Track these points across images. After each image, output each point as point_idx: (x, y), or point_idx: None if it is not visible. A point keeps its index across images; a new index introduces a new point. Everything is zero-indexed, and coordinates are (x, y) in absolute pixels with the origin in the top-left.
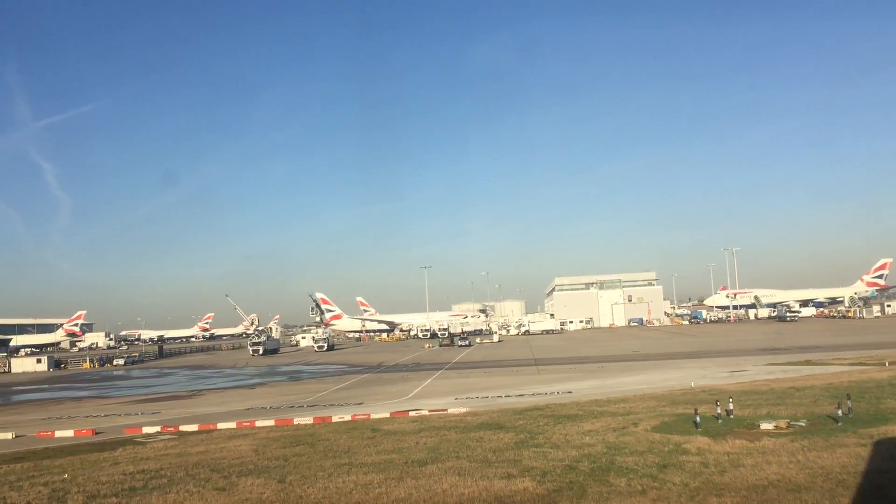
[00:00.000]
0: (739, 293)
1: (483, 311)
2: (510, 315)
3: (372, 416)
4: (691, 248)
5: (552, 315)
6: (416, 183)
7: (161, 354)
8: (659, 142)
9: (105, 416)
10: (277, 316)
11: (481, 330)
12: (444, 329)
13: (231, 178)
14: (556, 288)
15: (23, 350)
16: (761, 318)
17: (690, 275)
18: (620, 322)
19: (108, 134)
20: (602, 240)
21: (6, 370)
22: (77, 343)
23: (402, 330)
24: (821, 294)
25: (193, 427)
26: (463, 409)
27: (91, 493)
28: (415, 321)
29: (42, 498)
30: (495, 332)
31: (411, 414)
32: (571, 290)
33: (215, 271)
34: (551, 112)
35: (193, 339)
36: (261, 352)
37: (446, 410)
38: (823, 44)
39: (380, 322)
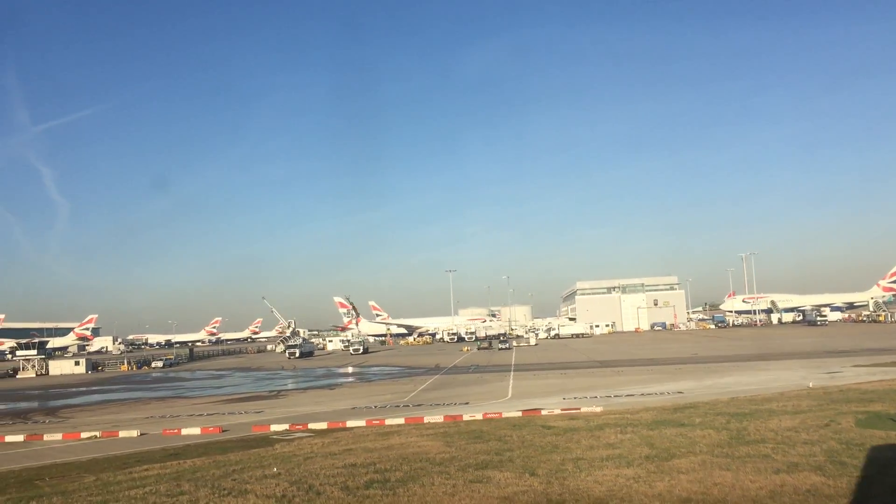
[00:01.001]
0: (753, 298)
1: (493, 315)
2: (522, 319)
3: (504, 415)
4: (695, 252)
5: (570, 319)
6: (413, 188)
7: (191, 358)
8: (657, 147)
9: (208, 415)
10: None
11: (505, 333)
12: (472, 333)
13: (227, 182)
14: (578, 292)
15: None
16: (785, 323)
17: (696, 279)
18: (643, 326)
19: (107, 138)
20: (603, 245)
21: (44, 372)
22: (86, 347)
23: (420, 334)
24: (838, 299)
25: (322, 425)
26: (598, 409)
27: (341, 484)
28: (431, 325)
29: (289, 489)
30: (532, 336)
31: (544, 413)
32: (593, 294)
33: (213, 276)
34: (548, 117)
35: (200, 343)
36: (297, 354)
37: (579, 409)
38: (827, 45)
39: (398, 326)
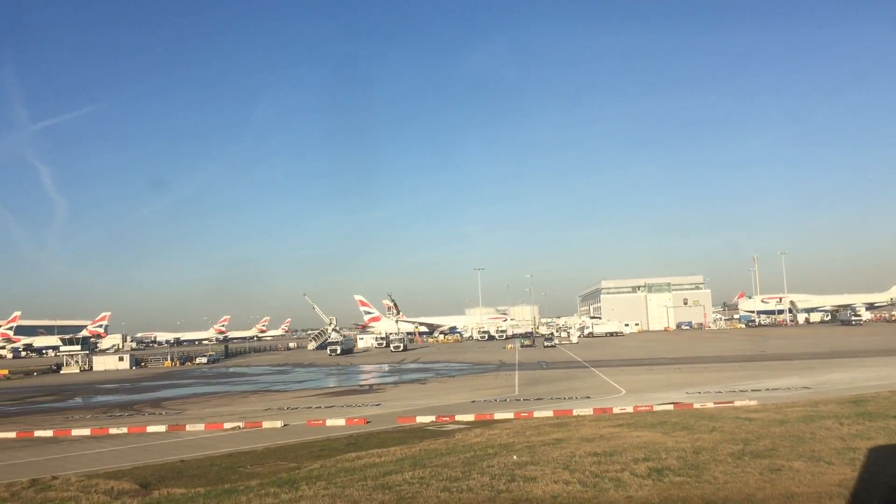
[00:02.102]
0: (776, 298)
1: (504, 313)
2: (534, 319)
3: (655, 408)
4: (695, 253)
5: (592, 318)
6: (411, 188)
7: (227, 355)
8: (656, 147)
9: (326, 407)
10: (289, 319)
11: (531, 332)
12: (502, 331)
13: (226, 182)
14: (603, 291)
15: (48, 351)
16: (813, 323)
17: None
18: (670, 326)
19: (106, 136)
20: (604, 245)
21: (87, 368)
22: (98, 344)
23: (442, 332)
24: (857, 299)
25: (469, 417)
26: (752, 402)
27: (630, 472)
28: (448, 323)
29: (580, 477)
30: (574, 334)
31: (696, 406)
32: (618, 293)
33: (213, 275)
34: (547, 117)
35: (207, 342)
36: (338, 351)
37: (733, 403)
38: (830, 45)
39: (420, 324)
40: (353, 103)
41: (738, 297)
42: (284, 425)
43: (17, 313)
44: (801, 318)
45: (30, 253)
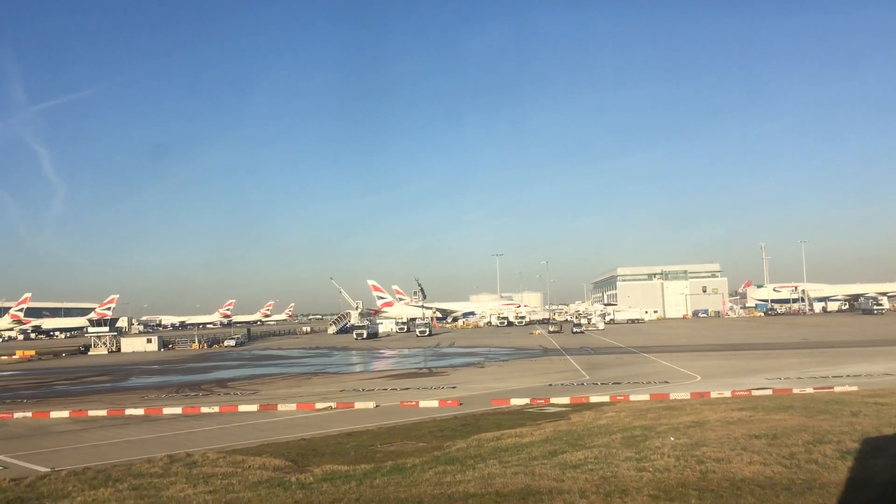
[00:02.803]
0: (783, 286)
1: (509, 299)
2: (540, 305)
3: (753, 393)
4: (699, 241)
5: (606, 305)
6: (412, 174)
7: (250, 337)
8: (659, 137)
9: (401, 389)
10: (292, 304)
11: (548, 318)
12: (522, 317)
13: (226, 167)
14: (619, 278)
15: (57, 333)
16: (831, 311)
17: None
18: (687, 314)
19: (107, 119)
20: (603, 235)
21: (115, 349)
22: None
23: (455, 318)
24: (870, 289)
25: (564, 399)
26: (854, 388)
27: (818, 452)
28: (463, 309)
29: (777, 459)
30: (600, 321)
31: (796, 391)
32: (634, 280)
33: (210, 259)
34: (549, 105)
35: (210, 326)
36: (364, 335)
37: (832, 388)
38: (841, 30)
39: (435, 310)
40: (354, 88)
41: (745, 286)
42: (376, 406)
43: (28, 295)
44: (817, 306)
45: (30, 236)
